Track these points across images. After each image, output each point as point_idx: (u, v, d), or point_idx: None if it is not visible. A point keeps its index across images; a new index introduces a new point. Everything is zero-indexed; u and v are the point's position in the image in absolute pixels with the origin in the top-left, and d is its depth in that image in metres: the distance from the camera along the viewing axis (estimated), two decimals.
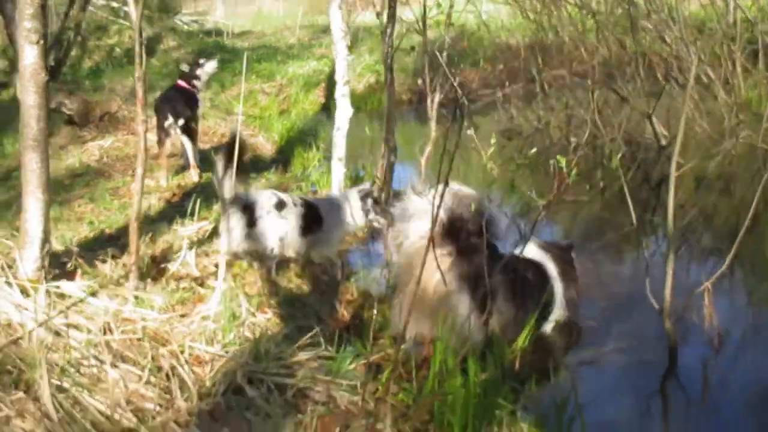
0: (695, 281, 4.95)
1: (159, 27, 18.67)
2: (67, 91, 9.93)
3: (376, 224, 5.76)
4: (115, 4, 21.11)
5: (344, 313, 5.32)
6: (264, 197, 5.26)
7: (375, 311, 4.59)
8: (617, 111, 9.25)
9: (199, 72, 8.15)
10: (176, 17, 21.74)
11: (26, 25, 3.58)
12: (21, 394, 2.83)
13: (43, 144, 3.70)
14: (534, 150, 7.56)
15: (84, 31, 16.20)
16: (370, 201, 5.68)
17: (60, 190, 7.26)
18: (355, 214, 5.64)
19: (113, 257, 4.75)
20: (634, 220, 4.92)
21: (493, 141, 5.11)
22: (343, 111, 7.08)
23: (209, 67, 8.31)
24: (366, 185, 5.90)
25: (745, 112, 9.16)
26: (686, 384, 4.42)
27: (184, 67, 8.30)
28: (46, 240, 3.80)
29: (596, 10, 10.72)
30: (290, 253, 5.42)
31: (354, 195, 5.71)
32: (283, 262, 5.50)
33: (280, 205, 5.25)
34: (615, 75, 9.40)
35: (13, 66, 15.88)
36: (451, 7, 7.82)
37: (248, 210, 5.12)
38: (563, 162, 3.47)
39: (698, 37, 10.47)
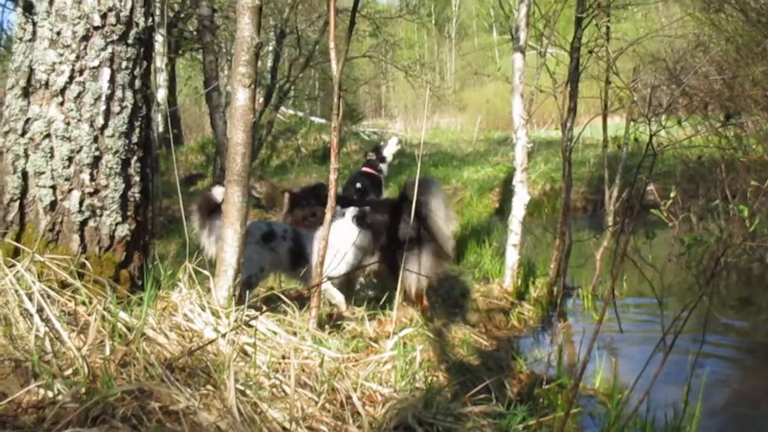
0: None
1: (343, 133, 19.68)
2: (257, 176, 10.56)
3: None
4: (300, 114, 22.53)
5: (513, 389, 5.25)
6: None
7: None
8: None
9: (385, 153, 8.63)
10: (359, 127, 22.88)
11: (240, 70, 3.93)
12: (210, 388, 2.97)
13: (245, 180, 3.98)
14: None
15: (274, 132, 17.37)
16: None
17: None
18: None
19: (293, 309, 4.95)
20: None
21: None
22: (520, 197, 7.12)
23: (391, 144, 8.81)
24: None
25: None
26: None
27: (371, 155, 8.77)
28: (238, 270, 4.02)
29: None
30: None
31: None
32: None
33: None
34: None
35: (209, 159, 17.22)
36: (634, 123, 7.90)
37: None
38: (746, 211, 3.35)
39: None
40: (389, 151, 8.80)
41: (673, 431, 3.89)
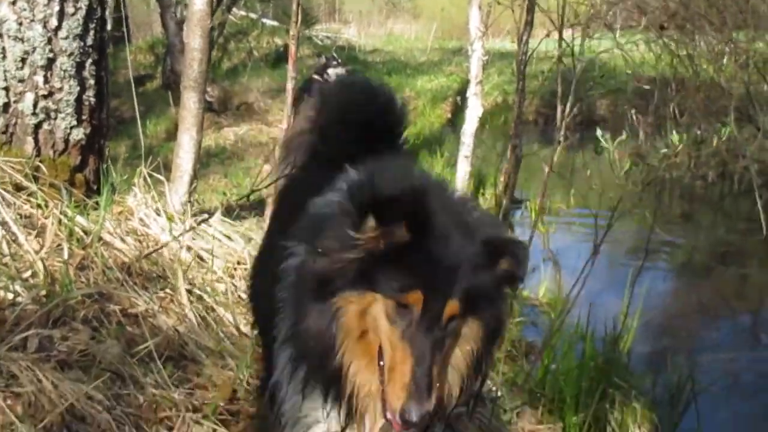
0: None
1: None
2: (209, 79, 10.41)
3: None
4: (253, 15, 22.01)
5: None
6: None
7: None
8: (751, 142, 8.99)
9: (330, 71, 8.87)
10: (312, 31, 22.43)
11: None
12: (169, 292, 3.04)
13: (202, 86, 3.97)
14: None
15: (226, 33, 17.00)
16: None
17: None
18: None
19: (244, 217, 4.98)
20: (765, 230, 4.82)
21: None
22: (473, 110, 7.18)
23: (340, 70, 9.04)
24: None
25: None
26: None
27: (321, 60, 8.93)
28: (194, 176, 4.05)
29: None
30: None
31: None
32: None
33: None
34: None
35: (158, 59, 16.84)
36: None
37: None
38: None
39: None
40: (336, 72, 9.19)
41: (612, 341, 4.07)
